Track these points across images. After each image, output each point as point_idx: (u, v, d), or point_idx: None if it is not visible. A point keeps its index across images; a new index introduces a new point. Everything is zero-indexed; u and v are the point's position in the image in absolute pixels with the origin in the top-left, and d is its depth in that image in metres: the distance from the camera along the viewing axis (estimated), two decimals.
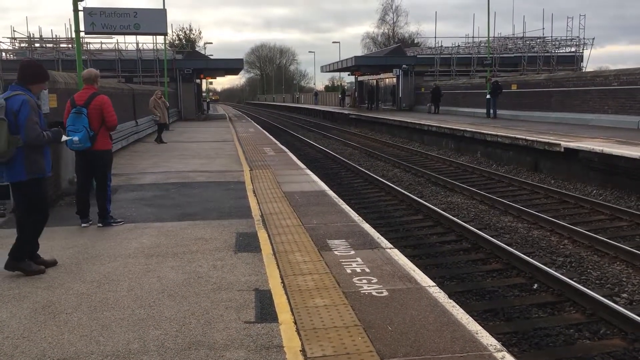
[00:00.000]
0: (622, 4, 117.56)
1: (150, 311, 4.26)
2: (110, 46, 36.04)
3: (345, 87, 62.22)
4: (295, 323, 3.99)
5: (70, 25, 35.35)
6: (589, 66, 39.93)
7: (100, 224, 6.99)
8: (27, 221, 5.23)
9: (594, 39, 54.01)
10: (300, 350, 3.58)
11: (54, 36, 38.26)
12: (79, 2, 10.78)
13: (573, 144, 13.63)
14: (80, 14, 11.28)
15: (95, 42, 35.84)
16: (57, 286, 4.86)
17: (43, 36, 38.78)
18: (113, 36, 28.65)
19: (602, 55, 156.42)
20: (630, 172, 11.80)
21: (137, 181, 10.65)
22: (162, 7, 26.86)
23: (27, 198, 5.21)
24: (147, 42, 38.14)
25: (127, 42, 37.66)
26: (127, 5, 15.81)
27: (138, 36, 33.72)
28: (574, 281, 6.54)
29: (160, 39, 35.49)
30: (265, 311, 4.22)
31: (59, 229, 6.86)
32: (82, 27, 11.56)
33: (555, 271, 6.95)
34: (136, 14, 14.59)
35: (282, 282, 4.86)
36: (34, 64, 5.47)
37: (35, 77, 5.28)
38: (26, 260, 5.21)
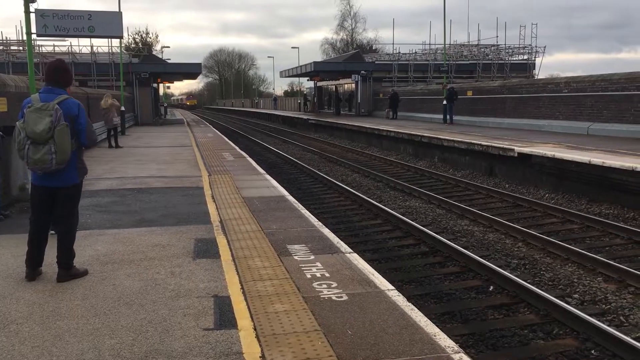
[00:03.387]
0: (570, 14, 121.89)
1: (105, 320, 4.16)
2: (64, 49, 35.12)
3: (305, 93, 62.41)
4: (255, 329, 3.97)
5: (22, 27, 34.31)
6: (540, 73, 41.15)
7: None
8: (72, 226, 5.20)
9: (545, 47, 55.68)
10: (260, 357, 3.55)
11: (3, 38, 36.94)
12: (30, 4, 10.49)
13: (526, 149, 14.00)
14: (32, 16, 10.96)
15: (47, 45, 34.83)
16: (7, 295, 4.70)
17: None
18: (66, 39, 27.91)
19: (552, 63, 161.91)
20: (580, 176, 12.20)
21: (92, 187, 10.40)
22: (117, 9, 26.39)
23: (73, 201, 5.18)
24: (102, 45, 37.46)
25: (82, 45, 36.72)
26: (82, 7, 15.48)
27: (93, 39, 33.03)
28: (528, 283, 6.71)
29: (115, 42, 34.88)
30: (225, 318, 4.18)
31: (8, 237, 6.64)
32: (33, 29, 11.23)
33: (510, 273, 7.11)
34: (90, 16, 14.26)
35: (242, 288, 4.83)
36: (67, 65, 5.36)
37: (71, 79, 5.28)
38: (73, 266, 5.17)
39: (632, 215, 10.49)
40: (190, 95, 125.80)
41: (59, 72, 5.17)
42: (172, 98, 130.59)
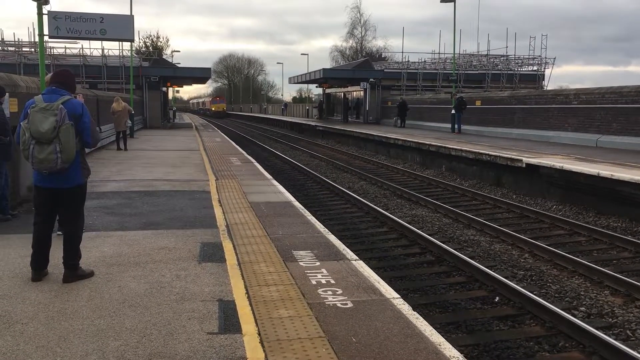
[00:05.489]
0: (578, 26, 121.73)
1: (110, 321, 4.17)
2: (75, 51, 35.39)
3: (314, 99, 62.54)
4: (259, 334, 3.96)
5: (34, 29, 34.60)
6: (549, 85, 40.98)
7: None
8: (78, 227, 5.23)
9: (554, 58, 55.57)
10: None
11: (16, 39, 37.32)
12: (43, 6, 10.58)
13: (534, 160, 13.94)
14: (45, 18, 11.07)
15: (59, 47, 35.10)
16: (13, 295, 4.71)
17: (5, 39, 37.91)
18: (78, 41, 28.13)
19: (561, 75, 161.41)
20: (589, 189, 12.13)
21: (100, 189, 10.44)
22: (128, 13, 26.61)
23: (78, 202, 5.20)
24: (113, 48, 37.68)
25: (93, 48, 37.05)
26: (94, 10, 15.61)
27: (104, 42, 33.31)
28: (534, 294, 6.66)
29: (126, 45, 35.10)
30: (229, 322, 4.18)
31: (16, 237, 6.67)
32: (46, 31, 11.33)
33: (516, 284, 7.07)
34: (102, 19, 14.37)
35: (247, 292, 4.82)
36: (72, 74, 5.49)
37: (75, 88, 5.40)
38: (79, 267, 5.19)
39: None
40: (216, 97, 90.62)
41: (69, 75, 5.27)
42: (190, 102, 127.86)
